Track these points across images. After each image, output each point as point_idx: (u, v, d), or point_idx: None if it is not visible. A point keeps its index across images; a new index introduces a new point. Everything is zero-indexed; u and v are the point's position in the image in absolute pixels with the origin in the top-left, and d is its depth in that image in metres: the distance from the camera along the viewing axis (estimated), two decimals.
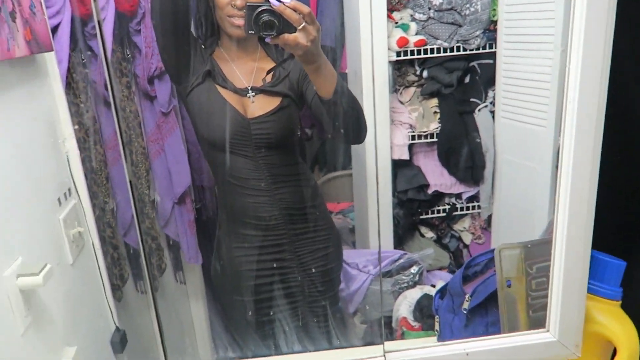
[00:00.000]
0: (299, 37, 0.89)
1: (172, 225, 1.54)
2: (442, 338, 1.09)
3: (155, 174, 1.46)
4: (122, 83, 1.31)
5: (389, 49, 1.72)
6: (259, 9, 0.88)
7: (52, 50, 1.05)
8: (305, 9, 0.89)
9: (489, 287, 0.99)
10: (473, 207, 2.00)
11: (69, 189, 1.13)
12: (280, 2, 0.89)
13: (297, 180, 1.25)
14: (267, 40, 0.92)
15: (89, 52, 1.37)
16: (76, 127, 1.18)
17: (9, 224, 0.85)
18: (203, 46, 1.20)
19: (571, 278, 0.85)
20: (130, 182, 0.96)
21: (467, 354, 0.89)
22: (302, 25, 0.88)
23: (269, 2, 0.88)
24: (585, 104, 0.78)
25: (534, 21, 1.54)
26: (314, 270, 1.31)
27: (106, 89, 1.38)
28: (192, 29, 1.22)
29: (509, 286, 0.93)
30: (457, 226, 2.08)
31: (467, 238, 2.06)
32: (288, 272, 1.30)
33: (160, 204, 1.51)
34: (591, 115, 0.78)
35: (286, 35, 0.89)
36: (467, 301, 1.00)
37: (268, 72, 1.17)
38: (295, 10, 0.88)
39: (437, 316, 1.12)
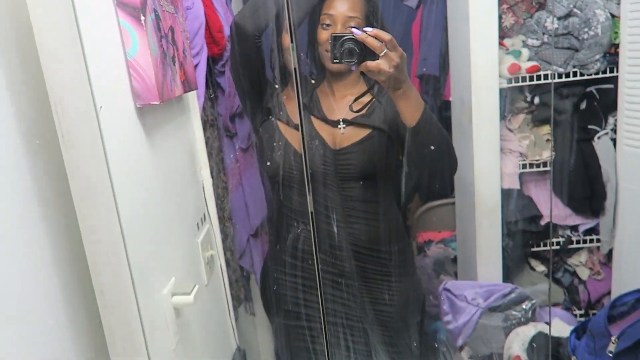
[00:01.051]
0: (381, 63, 0.94)
1: (247, 257, 1.60)
2: None
3: (233, 207, 1.54)
4: (209, 120, 1.40)
5: (500, 76, 1.71)
6: (343, 39, 0.94)
7: (197, 88, 1.17)
8: (386, 36, 0.93)
9: None
10: (591, 241, 1.89)
11: (204, 215, 1.23)
12: (363, 31, 0.94)
13: (370, 219, 1.23)
14: (353, 68, 0.97)
15: (215, 88, 1.51)
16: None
17: (166, 245, 0.95)
18: (313, 81, 1.28)
19: None
20: (311, 213, 1.05)
21: None
22: (384, 52, 0.93)
23: (352, 32, 0.94)
24: None
25: None
26: (371, 314, 1.27)
27: (231, 121, 1.50)
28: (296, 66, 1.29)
29: None
30: (572, 260, 1.97)
31: (584, 273, 1.94)
32: (348, 305, 1.27)
33: (236, 237, 1.57)
34: None
35: (368, 62, 0.94)
36: (614, 343, 0.94)
37: (355, 100, 1.21)
38: (376, 37, 0.93)
39: (573, 357, 1.06)
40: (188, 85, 1.10)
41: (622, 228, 1.77)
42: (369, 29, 0.94)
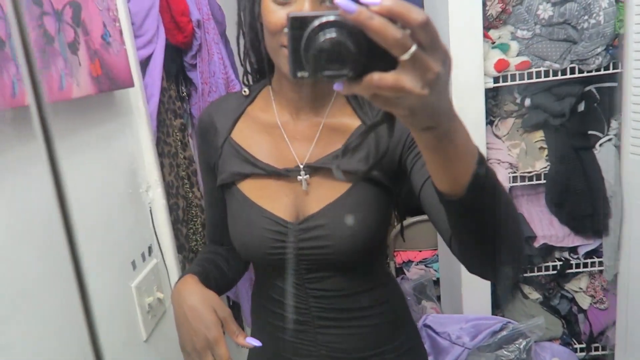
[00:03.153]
0: (402, 77, 0.40)
1: None
2: None
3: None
4: (175, 125, 1.21)
5: (485, 74, 1.55)
6: (316, 23, 0.42)
7: (133, 85, 0.97)
8: (415, 15, 0.39)
9: None
10: (593, 264, 1.73)
11: (150, 247, 1.03)
12: (361, 4, 0.40)
13: (359, 318, 0.82)
14: (337, 87, 0.43)
15: (188, 85, 1.32)
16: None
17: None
18: (246, 93, 0.85)
19: None
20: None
21: None
22: (410, 52, 0.39)
23: (335, 8, 0.41)
24: None
25: None
26: None
27: None
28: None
29: None
30: (571, 286, 1.80)
31: (585, 301, 1.78)
32: None
33: None
34: None
35: (376, 77, 0.40)
36: None
37: (345, 151, 0.74)
38: (394, 18, 0.39)
39: None
40: (109, 83, 0.89)
41: (629, 250, 1.61)
42: (374, 1, 0.40)
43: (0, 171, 0.64)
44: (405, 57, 0.39)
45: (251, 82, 0.86)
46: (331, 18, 0.42)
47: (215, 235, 0.90)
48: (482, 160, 0.50)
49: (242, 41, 0.82)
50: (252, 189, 0.79)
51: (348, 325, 0.80)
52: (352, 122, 0.78)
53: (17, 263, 0.63)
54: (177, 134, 1.22)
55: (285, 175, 0.77)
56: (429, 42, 0.39)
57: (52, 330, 0.68)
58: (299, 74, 0.44)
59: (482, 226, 0.54)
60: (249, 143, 0.81)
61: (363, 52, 0.41)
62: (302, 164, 0.77)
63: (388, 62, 0.41)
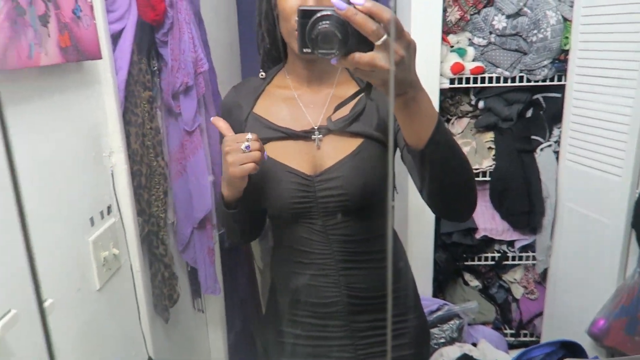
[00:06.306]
0: (376, 57, 0.57)
1: (190, 251, 1.48)
2: None
3: (176, 196, 1.40)
4: (143, 97, 1.25)
5: (441, 74, 1.61)
6: (316, 16, 0.60)
7: (100, 57, 1.01)
8: (386, 14, 0.56)
9: None
10: (527, 258, 1.82)
11: (109, 207, 1.08)
12: (350, 3, 0.58)
13: (372, 260, 0.92)
14: (333, 62, 0.61)
15: (159, 60, 1.35)
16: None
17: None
18: (262, 75, 0.97)
19: None
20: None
21: None
22: (382, 40, 0.57)
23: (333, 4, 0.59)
24: None
25: (614, 53, 1.37)
26: None
27: (175, 99, 1.35)
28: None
29: None
30: (507, 277, 1.90)
31: (518, 291, 1.88)
32: None
33: (179, 228, 1.45)
34: None
35: (357, 55, 0.58)
36: None
37: (336, 109, 0.83)
38: (371, 15, 0.57)
39: None
40: (77, 54, 0.93)
41: (559, 248, 1.70)
42: (359, 1, 0.58)
43: None
44: (378, 42, 0.56)
45: (268, 68, 0.98)
46: (327, 12, 0.59)
47: None
48: (440, 122, 0.65)
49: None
50: (275, 151, 0.90)
51: (366, 267, 0.91)
52: (354, 89, 0.90)
53: None
54: (145, 105, 1.26)
55: (302, 136, 0.89)
56: (395, 33, 0.57)
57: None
58: (305, 50, 0.61)
59: (441, 173, 0.68)
60: (270, 113, 0.92)
61: (348, 37, 0.58)
62: (316, 127, 0.88)
63: (367, 45, 0.58)
